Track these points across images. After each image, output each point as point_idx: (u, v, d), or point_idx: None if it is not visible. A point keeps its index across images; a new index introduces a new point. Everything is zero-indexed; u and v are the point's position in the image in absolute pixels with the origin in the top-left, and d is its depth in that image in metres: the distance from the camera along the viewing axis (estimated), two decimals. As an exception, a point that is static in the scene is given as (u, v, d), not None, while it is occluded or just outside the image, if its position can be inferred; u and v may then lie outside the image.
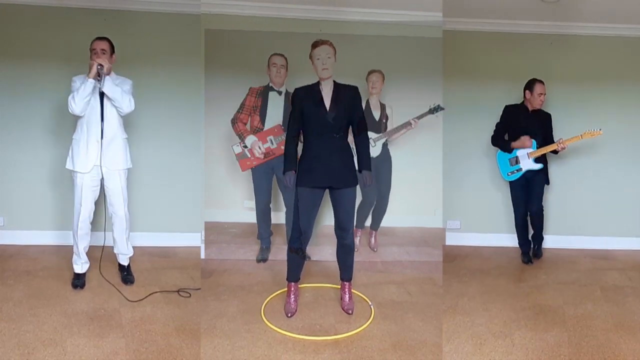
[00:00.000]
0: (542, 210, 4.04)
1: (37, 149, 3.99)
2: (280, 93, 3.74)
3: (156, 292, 3.23)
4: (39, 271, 3.48)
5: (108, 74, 3.03)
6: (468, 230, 4.44)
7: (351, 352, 2.60)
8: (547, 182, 4.01)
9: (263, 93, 3.76)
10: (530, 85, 3.90)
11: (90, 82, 2.98)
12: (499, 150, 4.05)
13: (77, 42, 3.92)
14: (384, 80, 3.92)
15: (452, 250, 4.24)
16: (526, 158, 3.92)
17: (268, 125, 3.75)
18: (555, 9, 3.88)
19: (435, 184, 4.21)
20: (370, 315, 2.97)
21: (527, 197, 3.99)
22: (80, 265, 3.27)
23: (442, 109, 3.91)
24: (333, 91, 2.86)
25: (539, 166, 3.90)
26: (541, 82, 3.88)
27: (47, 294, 3.12)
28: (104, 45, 3.13)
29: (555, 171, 4.23)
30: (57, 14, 3.90)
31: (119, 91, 3.06)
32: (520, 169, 3.93)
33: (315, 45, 2.83)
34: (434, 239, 4.33)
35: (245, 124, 3.79)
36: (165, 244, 4.08)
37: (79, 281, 3.24)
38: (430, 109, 3.90)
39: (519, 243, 4.11)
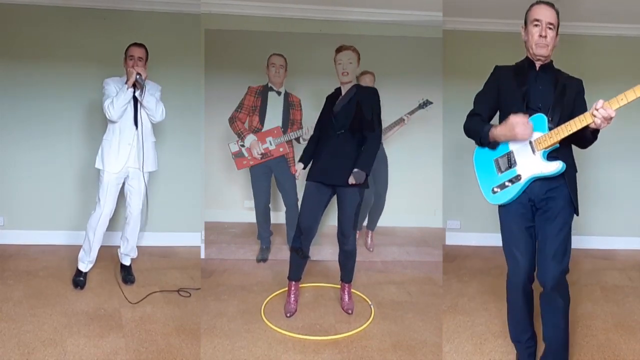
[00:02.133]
0: (566, 281, 2.09)
1: (37, 148, 3.99)
2: (279, 94, 3.75)
3: (156, 292, 3.23)
4: (39, 271, 3.48)
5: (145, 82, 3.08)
6: (468, 230, 4.44)
7: (351, 352, 2.60)
8: (576, 211, 2.11)
9: (262, 93, 3.76)
10: (526, 14, 2.22)
11: (130, 91, 3.05)
12: (477, 147, 2.36)
13: (77, 42, 3.94)
14: (374, 81, 3.92)
15: (452, 250, 4.24)
16: (528, 152, 2.08)
17: (267, 125, 3.75)
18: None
19: (435, 184, 4.21)
20: (370, 315, 2.98)
21: (538, 243, 2.12)
22: (86, 263, 3.27)
23: (431, 103, 3.95)
24: (347, 92, 2.90)
25: (555, 169, 2.03)
26: (544, 3, 2.22)
27: (47, 294, 3.12)
28: (141, 52, 3.15)
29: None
30: (57, 13, 3.89)
31: (154, 101, 3.13)
32: (519, 178, 2.10)
33: (338, 50, 2.88)
34: (434, 239, 4.33)
35: (244, 123, 3.79)
36: (165, 244, 4.08)
37: (80, 279, 3.24)
38: (420, 104, 3.94)
39: (511, 335, 2.35)
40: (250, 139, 3.73)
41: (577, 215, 2.13)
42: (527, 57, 2.25)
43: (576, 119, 1.99)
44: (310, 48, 4.02)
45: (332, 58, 2.89)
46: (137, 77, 3.03)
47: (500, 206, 2.22)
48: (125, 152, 3.15)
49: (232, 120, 3.80)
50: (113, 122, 3.13)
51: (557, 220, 2.07)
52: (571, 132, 1.99)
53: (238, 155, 3.79)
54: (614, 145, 4.27)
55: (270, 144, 3.73)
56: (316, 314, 3.00)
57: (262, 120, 3.75)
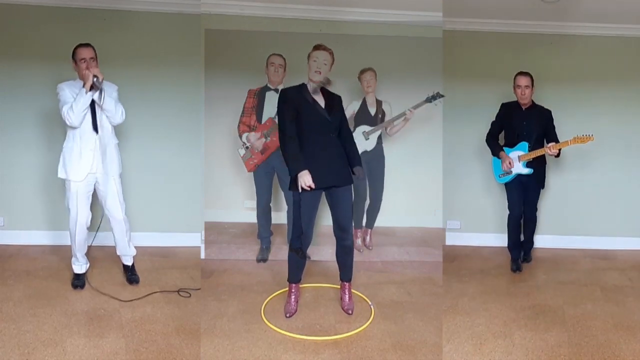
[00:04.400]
0: (535, 215, 3.88)
1: (37, 149, 3.99)
2: (277, 91, 3.75)
3: (156, 292, 3.23)
4: (39, 271, 3.48)
5: (101, 84, 2.98)
6: (468, 230, 4.44)
7: (351, 352, 2.60)
8: (542, 186, 3.84)
9: (260, 94, 3.78)
10: (514, 79, 3.71)
11: (90, 94, 2.96)
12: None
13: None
14: (376, 77, 3.92)
15: (452, 250, 4.24)
16: (517, 161, 3.69)
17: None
18: (555, 9, 3.87)
19: (435, 184, 4.21)
20: (370, 315, 2.98)
21: (523, 199, 3.79)
22: (80, 265, 3.27)
23: (442, 96, 3.83)
24: (322, 94, 2.90)
25: (527, 171, 3.67)
26: (524, 73, 3.64)
27: (47, 294, 3.12)
28: (91, 53, 3.05)
29: (554, 171, 4.23)
30: (57, 14, 3.89)
31: (113, 103, 3.06)
32: (510, 172, 3.73)
33: (316, 47, 2.86)
34: (434, 239, 4.33)
35: (248, 125, 3.81)
36: (165, 244, 4.08)
37: (79, 281, 3.24)
38: (427, 97, 3.83)
39: (508, 246, 3.91)
40: (246, 135, 3.77)
41: (543, 188, 3.86)
42: (517, 101, 3.72)
43: (540, 149, 3.63)
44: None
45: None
46: (94, 79, 2.93)
47: (505, 184, 3.80)
48: (89, 159, 3.08)
49: (238, 127, 3.83)
50: (74, 128, 3.04)
51: (531, 191, 3.78)
52: (537, 155, 3.64)
53: (245, 158, 3.81)
54: (614, 146, 4.28)
55: (266, 137, 3.74)
56: (316, 314, 3.00)
57: (259, 119, 3.76)
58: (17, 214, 4.04)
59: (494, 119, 3.83)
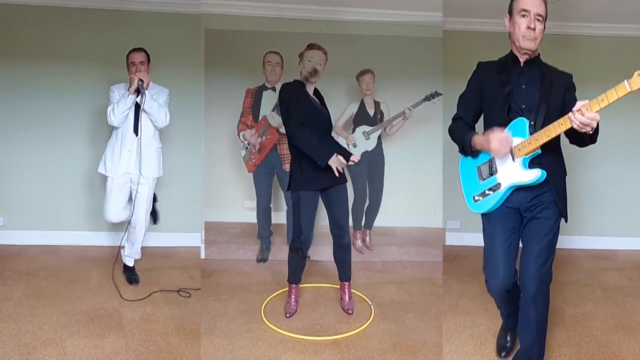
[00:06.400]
0: (546, 291, 2.04)
1: (36, 149, 3.99)
2: (274, 90, 3.76)
3: (156, 291, 3.23)
4: (39, 271, 3.48)
5: (147, 88, 3.07)
6: (468, 230, 4.43)
7: (351, 352, 2.60)
8: (565, 217, 2.04)
9: (256, 93, 3.78)
10: (510, 4, 2.06)
11: (131, 97, 3.06)
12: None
13: (77, 42, 3.94)
14: (374, 79, 3.93)
15: (452, 250, 4.23)
16: (509, 159, 1.99)
17: None
18: (555, 9, 3.87)
19: (435, 184, 4.21)
20: (370, 315, 2.98)
21: (522, 250, 2.07)
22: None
23: (440, 94, 3.83)
24: (318, 94, 2.93)
25: (534, 177, 1.92)
26: None
27: (47, 294, 3.12)
28: (141, 57, 3.16)
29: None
30: (57, 13, 3.89)
31: (156, 106, 3.13)
32: (498, 186, 2.00)
33: (311, 47, 2.85)
34: (434, 239, 4.32)
35: (246, 125, 3.81)
36: (165, 244, 4.07)
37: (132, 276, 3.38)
38: (426, 96, 3.84)
39: (501, 314, 2.40)
40: (242, 133, 3.78)
41: (566, 222, 2.02)
42: (511, 52, 2.08)
43: (555, 123, 1.82)
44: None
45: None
46: (139, 83, 3.04)
47: (482, 214, 2.09)
48: (125, 158, 3.17)
49: (237, 126, 3.84)
50: (115, 127, 3.16)
51: (542, 225, 1.97)
52: (550, 137, 1.85)
53: (245, 158, 3.82)
54: (614, 144, 4.26)
55: (262, 136, 3.74)
56: (316, 314, 3.00)
57: (255, 119, 3.77)
58: (17, 214, 4.04)
59: (463, 90, 2.28)
